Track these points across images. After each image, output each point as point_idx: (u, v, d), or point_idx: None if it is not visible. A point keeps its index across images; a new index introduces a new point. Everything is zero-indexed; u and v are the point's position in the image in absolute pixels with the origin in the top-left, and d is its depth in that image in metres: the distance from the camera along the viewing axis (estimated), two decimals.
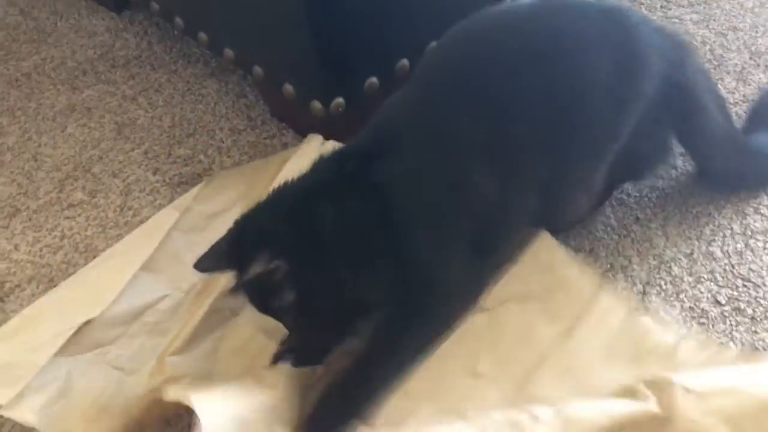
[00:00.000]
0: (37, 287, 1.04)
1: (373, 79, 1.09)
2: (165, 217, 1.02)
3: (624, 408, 0.75)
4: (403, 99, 0.91)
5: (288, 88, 1.11)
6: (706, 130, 0.97)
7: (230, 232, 0.84)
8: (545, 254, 0.92)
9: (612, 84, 0.87)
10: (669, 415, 0.73)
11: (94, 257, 1.04)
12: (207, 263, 0.84)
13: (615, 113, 0.89)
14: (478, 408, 0.80)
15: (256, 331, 0.91)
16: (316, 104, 1.07)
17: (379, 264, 0.82)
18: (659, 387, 0.75)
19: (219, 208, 1.03)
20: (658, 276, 0.94)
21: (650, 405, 0.74)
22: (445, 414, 0.80)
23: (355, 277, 0.81)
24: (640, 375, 0.80)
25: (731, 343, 0.86)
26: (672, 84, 0.91)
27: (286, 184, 0.86)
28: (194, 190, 1.07)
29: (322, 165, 0.88)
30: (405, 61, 1.11)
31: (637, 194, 1.04)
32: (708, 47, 1.29)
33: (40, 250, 1.10)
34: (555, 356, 0.84)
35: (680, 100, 0.93)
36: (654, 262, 0.95)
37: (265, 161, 1.12)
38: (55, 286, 1.00)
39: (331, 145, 1.05)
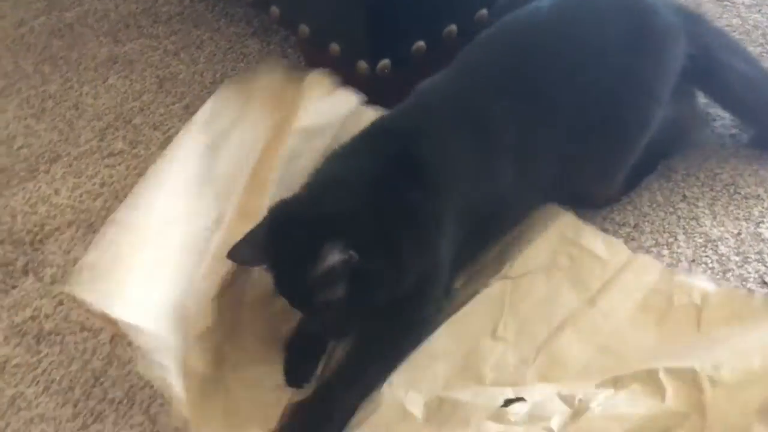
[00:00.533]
0: (77, 231, 1.05)
1: (421, 43, 1.07)
2: (191, 141, 0.95)
3: (637, 411, 0.70)
4: (443, 84, 0.91)
5: (334, 46, 1.09)
6: (737, 86, 0.99)
7: (265, 222, 0.79)
8: (571, 231, 0.93)
9: (638, 72, 0.89)
10: (690, 411, 0.69)
11: None
12: (242, 254, 0.79)
13: (644, 100, 0.91)
14: (496, 369, 0.80)
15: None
16: (362, 64, 1.06)
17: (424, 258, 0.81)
18: (681, 378, 0.71)
19: (227, 125, 0.97)
20: (704, 254, 0.92)
21: (667, 402, 0.70)
22: (462, 374, 0.80)
23: (410, 271, 0.79)
24: (664, 340, 0.80)
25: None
26: (691, 55, 0.94)
27: (328, 165, 0.83)
28: (206, 106, 0.99)
29: (369, 146, 0.85)
30: (453, 27, 1.10)
31: (685, 172, 1.03)
32: (760, 32, 1.26)
33: (80, 195, 1.10)
34: (580, 320, 0.83)
35: (702, 67, 0.95)
36: (700, 240, 0.94)
37: (269, 84, 1.03)
38: (94, 231, 1.00)
39: (345, 96, 0.99)
